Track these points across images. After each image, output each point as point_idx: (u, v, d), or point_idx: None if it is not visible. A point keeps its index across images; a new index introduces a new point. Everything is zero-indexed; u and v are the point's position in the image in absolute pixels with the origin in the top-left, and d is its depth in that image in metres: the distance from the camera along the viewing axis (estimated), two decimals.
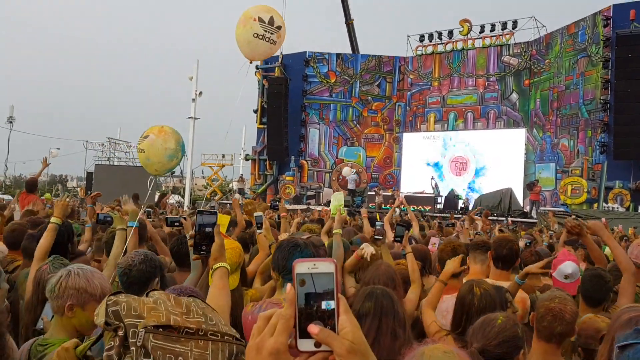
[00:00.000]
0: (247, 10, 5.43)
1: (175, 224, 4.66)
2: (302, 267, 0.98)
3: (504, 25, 26.45)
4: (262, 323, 1.01)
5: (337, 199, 4.48)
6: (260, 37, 5.44)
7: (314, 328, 0.95)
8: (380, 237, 4.63)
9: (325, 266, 0.98)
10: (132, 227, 3.91)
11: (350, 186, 24.27)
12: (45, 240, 3.61)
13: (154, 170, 4.79)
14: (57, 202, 3.83)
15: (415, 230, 7.50)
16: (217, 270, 2.16)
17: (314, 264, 0.98)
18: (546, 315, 2.71)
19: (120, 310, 1.19)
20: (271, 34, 5.52)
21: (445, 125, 28.27)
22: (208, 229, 2.29)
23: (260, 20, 5.42)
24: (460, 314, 3.00)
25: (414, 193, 24.19)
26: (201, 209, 2.47)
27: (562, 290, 2.97)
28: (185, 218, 4.55)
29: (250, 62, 5.60)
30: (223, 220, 3.80)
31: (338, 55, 29.69)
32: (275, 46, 5.70)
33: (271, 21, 5.51)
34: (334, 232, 4.17)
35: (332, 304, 0.97)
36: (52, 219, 3.72)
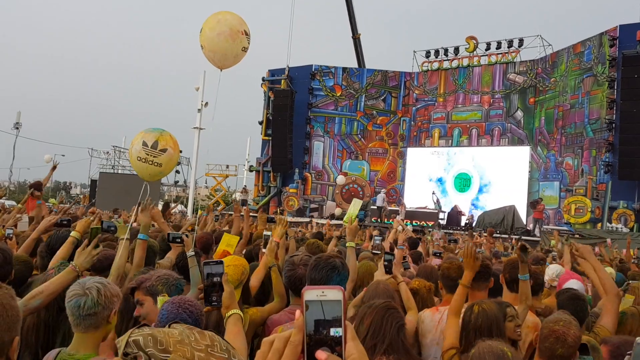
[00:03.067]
0: (226, 21, 5.30)
1: (177, 240, 4.62)
2: (311, 294, 0.99)
3: (510, 43, 26.55)
4: (266, 348, 1.02)
5: (355, 206, 4.39)
6: (244, 49, 5.43)
7: (321, 354, 0.96)
8: (378, 252, 4.60)
9: (333, 294, 1.00)
10: (142, 239, 3.89)
11: (379, 204, 24.00)
12: (62, 252, 3.74)
13: (155, 180, 4.67)
14: (82, 220, 3.97)
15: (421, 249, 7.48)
16: (231, 317, 2.25)
17: (323, 292, 1.00)
18: (549, 337, 2.74)
19: (141, 340, 1.19)
20: (249, 42, 5.52)
21: (450, 141, 28.31)
22: (216, 279, 2.34)
23: (245, 33, 5.39)
24: (461, 330, 3.03)
25: (417, 208, 24.17)
26: (208, 259, 2.50)
27: (569, 314, 2.97)
28: (187, 235, 4.49)
29: (221, 70, 5.57)
30: (232, 240, 3.78)
31: (344, 69, 29.83)
32: (245, 53, 5.71)
33: (248, 31, 5.51)
34: (347, 245, 4.13)
35: (340, 330, 0.98)
36: (73, 233, 3.85)
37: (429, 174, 27.95)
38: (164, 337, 1.22)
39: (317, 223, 17.81)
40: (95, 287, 2.44)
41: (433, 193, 25.24)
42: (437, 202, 24.71)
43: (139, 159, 4.34)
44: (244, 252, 5.38)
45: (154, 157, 4.34)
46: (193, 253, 4.07)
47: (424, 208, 24.19)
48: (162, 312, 2.43)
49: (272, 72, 30.23)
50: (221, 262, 2.39)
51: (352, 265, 3.93)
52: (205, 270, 2.36)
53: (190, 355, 1.21)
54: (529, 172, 25.36)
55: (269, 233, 4.56)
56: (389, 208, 24.09)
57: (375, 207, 24.21)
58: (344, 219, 5.43)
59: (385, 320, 2.66)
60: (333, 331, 0.98)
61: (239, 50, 5.51)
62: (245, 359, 2.11)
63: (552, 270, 5.22)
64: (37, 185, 8.77)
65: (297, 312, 1.00)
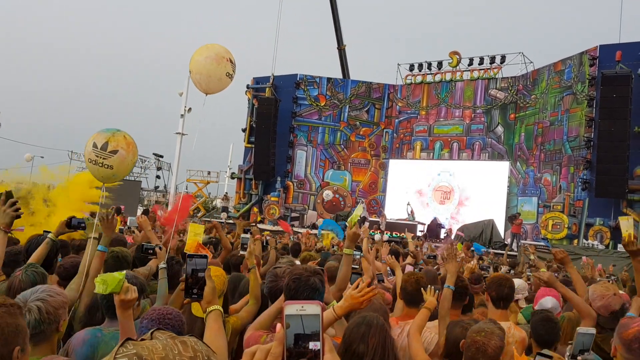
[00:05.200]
0: (214, 48, 5.45)
1: (149, 251, 4.54)
2: (291, 309, 1.03)
3: (493, 59, 26.93)
4: (247, 359, 1.05)
5: (358, 210, 4.35)
6: (228, 75, 5.51)
7: None
8: (357, 267, 4.63)
9: (312, 308, 1.04)
10: (101, 251, 3.73)
11: (363, 213, 23.96)
12: (37, 253, 3.77)
13: (111, 182, 4.42)
14: (61, 222, 4.00)
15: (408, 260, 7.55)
16: (212, 313, 2.21)
17: (302, 307, 1.04)
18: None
19: None
20: (234, 71, 5.61)
21: (431, 154, 28.54)
22: (200, 274, 2.30)
23: (230, 61, 5.50)
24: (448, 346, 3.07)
25: (397, 220, 24.29)
26: (191, 252, 2.46)
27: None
28: (160, 247, 4.41)
29: (206, 95, 5.67)
30: (199, 229, 3.79)
31: (329, 79, 29.97)
32: (231, 81, 5.80)
33: (234, 60, 5.63)
34: (344, 251, 4.02)
35: (318, 344, 1.03)
36: (50, 235, 3.87)
37: (410, 186, 28.10)
38: (149, 354, 1.21)
39: (296, 233, 17.77)
40: (36, 306, 2.41)
41: (408, 204, 25.42)
42: (411, 214, 24.87)
43: (90, 160, 4.21)
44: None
45: (104, 159, 4.18)
46: (165, 265, 4.04)
47: (405, 220, 24.32)
48: (142, 330, 2.40)
49: (257, 80, 30.25)
50: (205, 257, 2.36)
51: (343, 274, 3.86)
52: (189, 264, 2.32)
53: None
54: (508, 187, 25.66)
55: (247, 236, 4.56)
56: (370, 219, 24.16)
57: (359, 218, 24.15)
58: (347, 220, 5.27)
59: (387, 343, 2.60)
60: (312, 345, 1.03)
61: (222, 74, 5.58)
62: (226, 357, 2.11)
63: (515, 285, 5.31)
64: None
65: (278, 326, 1.04)
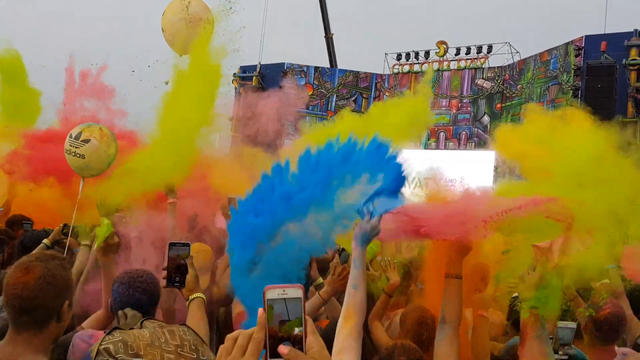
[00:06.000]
0: (191, 7, 5.19)
1: None
2: (272, 293, 1.03)
3: (479, 49, 26.98)
4: (229, 344, 1.06)
5: None
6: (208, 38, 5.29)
7: (283, 348, 1.01)
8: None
9: (294, 291, 1.04)
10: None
11: None
12: None
13: (89, 176, 4.39)
14: (57, 228, 4.13)
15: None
16: (194, 300, 2.21)
17: (284, 290, 1.04)
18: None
19: (111, 348, 1.19)
20: (213, 31, 5.39)
21: (418, 143, 28.58)
22: (182, 261, 2.28)
23: (209, 21, 5.31)
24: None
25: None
26: (173, 241, 2.44)
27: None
28: None
29: (181, 56, 5.47)
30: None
31: (316, 68, 29.85)
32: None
33: (213, 20, 5.39)
34: None
35: (300, 329, 1.03)
36: (45, 241, 4.00)
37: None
38: (134, 341, 1.23)
39: None
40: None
41: None
42: None
43: (65, 151, 4.26)
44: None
45: (76, 147, 4.22)
46: None
47: None
48: (114, 295, 2.35)
49: (244, 69, 30.03)
50: (187, 245, 2.35)
51: None
52: (171, 251, 2.30)
53: (160, 357, 1.22)
54: (494, 176, 25.78)
55: (236, 196, 4.50)
56: None
57: None
58: None
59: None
60: (295, 330, 1.02)
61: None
62: (208, 344, 2.13)
63: None
64: None
65: (260, 310, 1.03)
